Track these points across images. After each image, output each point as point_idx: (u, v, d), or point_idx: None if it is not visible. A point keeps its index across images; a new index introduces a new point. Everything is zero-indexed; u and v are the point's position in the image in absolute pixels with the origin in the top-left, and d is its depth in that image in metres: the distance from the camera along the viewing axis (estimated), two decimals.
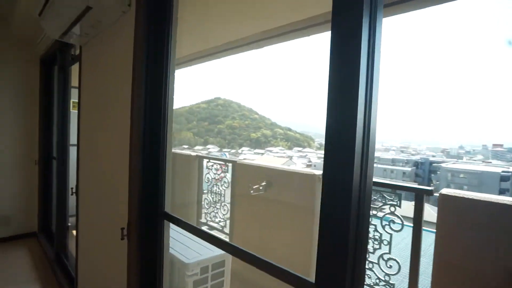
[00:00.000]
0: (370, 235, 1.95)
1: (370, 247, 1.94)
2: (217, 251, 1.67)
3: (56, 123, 2.70)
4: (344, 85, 0.58)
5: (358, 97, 0.56)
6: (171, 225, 1.34)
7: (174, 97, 1.30)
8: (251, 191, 2.59)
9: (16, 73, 3.27)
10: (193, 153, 3.48)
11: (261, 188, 2.48)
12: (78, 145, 1.91)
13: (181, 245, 1.67)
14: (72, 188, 2.13)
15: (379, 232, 1.94)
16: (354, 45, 0.56)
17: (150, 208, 1.30)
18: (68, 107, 2.53)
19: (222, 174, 3.24)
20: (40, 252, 3.09)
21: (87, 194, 1.84)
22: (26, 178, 3.41)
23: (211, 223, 3.24)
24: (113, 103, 1.48)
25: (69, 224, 2.64)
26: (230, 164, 3.05)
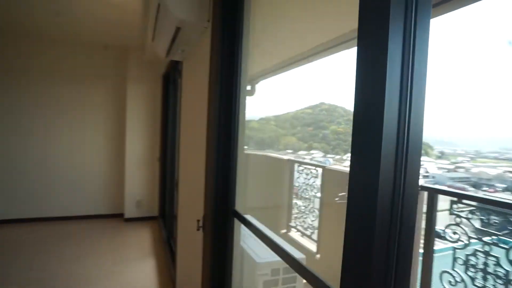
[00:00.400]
0: (490, 269, 1.53)
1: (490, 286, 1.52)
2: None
3: (169, 127, 3.26)
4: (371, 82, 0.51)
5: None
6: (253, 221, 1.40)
7: (264, 103, 1.37)
8: (336, 199, 2.46)
9: (147, 88, 4.12)
10: (285, 157, 3.56)
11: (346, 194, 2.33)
12: (178, 147, 2.26)
13: (255, 243, 1.75)
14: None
15: (503, 268, 1.49)
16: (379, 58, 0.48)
17: (221, 205, 1.41)
18: (177, 115, 3.01)
19: (312, 179, 3.19)
20: (158, 232, 3.77)
21: (182, 188, 2.15)
22: (151, 172, 4.23)
23: (300, 228, 3.23)
24: (196, 111, 1.69)
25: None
26: (320, 169, 2.98)
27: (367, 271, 0.50)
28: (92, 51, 4.06)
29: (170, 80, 3.28)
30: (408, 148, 0.49)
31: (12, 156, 3.82)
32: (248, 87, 1.49)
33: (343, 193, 2.63)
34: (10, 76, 3.75)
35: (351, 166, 0.54)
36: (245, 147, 1.60)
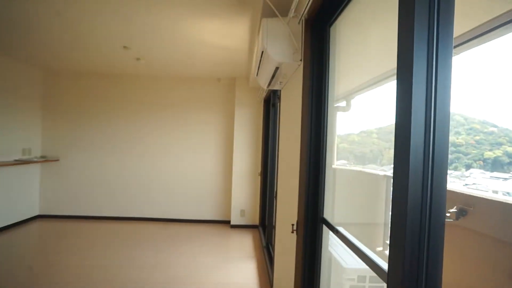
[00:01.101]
0: None
1: None
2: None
3: (269, 146, 3.71)
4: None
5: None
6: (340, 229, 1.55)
7: (364, 116, 1.58)
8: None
9: (251, 111, 4.76)
10: (381, 173, 3.50)
11: (448, 214, 2.19)
12: (276, 163, 2.63)
13: (342, 249, 1.89)
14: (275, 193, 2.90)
15: None
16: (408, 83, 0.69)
17: (311, 212, 1.66)
18: (276, 135, 3.43)
19: None
20: (258, 239, 4.21)
21: (280, 199, 2.48)
22: (253, 185, 4.78)
23: None
24: (291, 131, 2.01)
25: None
26: None
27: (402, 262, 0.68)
28: (206, 83, 5.00)
29: (270, 103, 3.77)
30: (434, 156, 0.66)
31: (146, 170, 5.00)
32: (343, 104, 1.71)
33: (452, 210, 2.45)
34: (147, 109, 4.98)
35: (394, 173, 0.73)
36: (343, 161, 1.79)
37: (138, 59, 3.96)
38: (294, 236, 1.85)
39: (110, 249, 3.61)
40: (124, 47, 3.48)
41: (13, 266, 3.10)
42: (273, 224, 3.02)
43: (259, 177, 4.61)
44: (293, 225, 1.78)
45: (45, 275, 2.88)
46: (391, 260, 0.76)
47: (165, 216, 4.99)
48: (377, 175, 3.66)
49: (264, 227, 4.30)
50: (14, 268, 3.03)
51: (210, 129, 5.03)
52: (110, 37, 3.20)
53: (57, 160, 4.93)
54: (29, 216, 4.73)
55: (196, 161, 5.03)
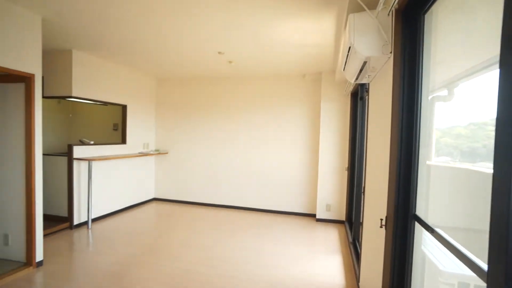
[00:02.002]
0: None
1: None
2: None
3: (357, 140, 3.61)
4: None
5: None
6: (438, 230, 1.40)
7: (471, 106, 1.42)
8: None
9: (337, 105, 4.68)
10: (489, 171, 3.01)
11: None
12: (365, 157, 2.57)
13: (439, 251, 1.76)
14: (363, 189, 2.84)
15: None
16: None
17: (402, 208, 1.62)
18: (364, 128, 3.32)
19: None
20: (344, 234, 4.16)
21: (368, 194, 2.43)
22: (340, 180, 4.71)
23: None
24: (380, 124, 1.96)
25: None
26: None
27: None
28: (291, 79, 5.12)
29: (358, 96, 3.65)
30: None
31: (238, 163, 5.45)
32: (444, 93, 1.59)
33: None
34: (238, 106, 5.40)
35: (494, 171, 0.71)
36: (445, 157, 1.63)
37: (230, 62, 4.37)
38: (382, 232, 1.83)
39: (208, 230, 4.15)
40: (219, 52, 3.91)
41: (136, 234, 3.89)
42: (361, 220, 2.96)
43: (346, 172, 4.51)
44: (381, 219, 1.76)
45: (158, 244, 3.55)
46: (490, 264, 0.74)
47: (254, 206, 5.39)
48: (484, 174, 3.18)
49: (350, 223, 4.22)
50: (137, 236, 3.82)
51: (297, 123, 5.16)
52: (208, 46, 3.64)
53: (167, 153, 5.87)
54: (147, 198, 5.79)
55: (283, 155, 5.25)
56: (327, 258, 3.36)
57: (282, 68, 4.71)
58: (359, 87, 3.46)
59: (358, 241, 3.35)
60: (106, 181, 4.67)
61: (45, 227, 3.30)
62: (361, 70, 2.03)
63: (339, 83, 4.63)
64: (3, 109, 2.96)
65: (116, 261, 3.13)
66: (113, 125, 5.68)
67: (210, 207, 5.55)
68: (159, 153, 5.64)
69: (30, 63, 2.80)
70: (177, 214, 5.02)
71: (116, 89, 4.83)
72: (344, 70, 2.41)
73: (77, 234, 3.94)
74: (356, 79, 2.32)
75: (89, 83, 4.28)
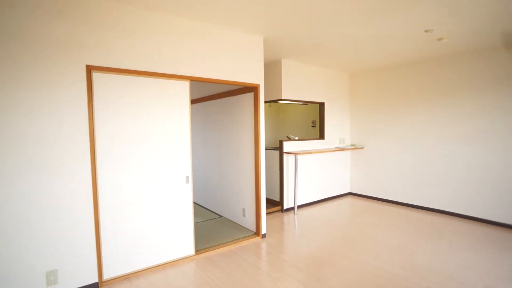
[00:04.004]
0: None
1: None
2: None
3: None
4: None
5: None
6: None
7: None
8: None
9: None
10: None
11: None
12: None
13: None
14: None
15: None
16: None
17: None
18: None
19: None
20: None
21: None
22: None
23: None
24: None
25: None
26: None
27: None
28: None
29: None
30: None
31: (438, 160, 4.45)
32: None
33: None
34: (442, 94, 4.39)
35: None
36: None
37: (440, 39, 3.66)
38: None
39: (411, 233, 3.70)
40: (426, 31, 3.36)
41: (333, 226, 4.05)
42: None
43: None
44: None
45: (354, 238, 3.52)
46: None
47: (450, 210, 4.30)
48: None
49: None
50: (334, 227, 3.97)
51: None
52: (412, 27, 3.21)
53: (362, 148, 5.76)
54: (343, 192, 5.94)
55: (495, 153, 3.85)
56: None
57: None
58: None
59: None
60: (308, 173, 5.20)
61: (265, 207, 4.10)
62: None
63: None
64: (240, 114, 3.92)
65: (317, 246, 3.41)
66: (311, 122, 6.23)
67: (409, 208, 4.95)
68: (355, 148, 5.63)
69: (257, 76, 3.54)
70: (373, 211, 4.83)
71: (315, 89, 5.25)
72: None
73: (286, 217, 4.63)
74: None
75: (294, 86, 4.89)
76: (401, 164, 5.18)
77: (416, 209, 4.95)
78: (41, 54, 2.20)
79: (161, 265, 2.91)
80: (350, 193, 6.06)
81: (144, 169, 2.77)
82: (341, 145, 5.73)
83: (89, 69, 2.40)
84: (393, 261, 3.00)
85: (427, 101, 4.78)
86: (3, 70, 2.07)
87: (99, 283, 2.54)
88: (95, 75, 2.46)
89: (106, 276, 2.60)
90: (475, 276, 2.69)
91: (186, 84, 2.99)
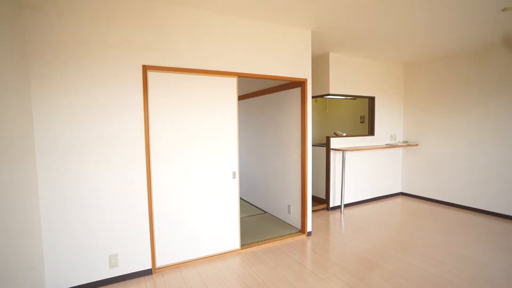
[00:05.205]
0: None
1: None
2: None
3: None
4: None
5: None
6: None
7: None
8: None
9: None
10: None
11: None
12: None
13: None
14: None
15: None
16: None
17: None
18: None
19: None
20: None
21: None
22: None
23: None
24: None
25: None
26: None
27: None
28: None
29: None
30: None
31: (496, 158, 3.88)
32: None
33: None
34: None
35: None
36: None
37: (505, 9, 3.16)
38: None
39: (468, 239, 3.32)
40: (504, 9, 2.95)
41: (383, 226, 3.81)
42: None
43: None
44: None
45: (405, 241, 3.27)
46: None
47: (503, 212, 3.74)
48: None
49: None
50: (384, 228, 3.73)
51: None
52: (480, 6, 2.85)
53: (416, 145, 5.33)
54: (393, 192, 5.58)
55: None
56: None
57: None
58: None
59: None
60: (356, 170, 4.97)
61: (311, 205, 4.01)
62: None
63: None
64: (286, 110, 3.87)
65: (366, 247, 3.24)
66: (360, 117, 5.92)
67: (469, 211, 4.46)
68: (408, 145, 5.23)
69: (304, 70, 3.44)
70: (428, 213, 4.45)
71: (364, 82, 4.97)
72: None
73: (332, 215, 4.48)
74: None
75: (342, 80, 4.68)
76: (460, 163, 4.69)
77: (477, 213, 4.46)
78: (106, 56, 2.39)
79: (209, 257, 3.01)
80: (401, 193, 5.66)
81: (193, 164, 2.87)
82: (392, 142, 5.37)
83: (145, 69, 2.55)
84: (458, 272, 2.73)
85: (495, 98, 4.24)
86: (78, 72, 2.28)
87: (152, 269, 2.71)
88: (150, 74, 2.60)
89: (158, 263, 2.77)
90: None
91: (234, 80, 3.02)
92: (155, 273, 2.74)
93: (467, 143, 4.62)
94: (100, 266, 2.49)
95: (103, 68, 2.39)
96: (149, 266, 2.70)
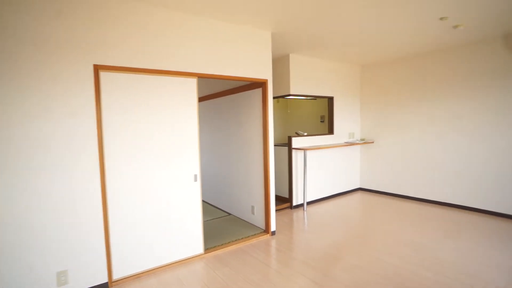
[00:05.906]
0: None
1: None
2: None
3: None
4: None
5: None
6: None
7: None
8: None
9: None
10: None
11: None
12: None
13: None
14: None
15: None
16: None
17: None
18: None
19: None
20: None
21: None
22: None
23: None
24: None
25: None
26: None
27: None
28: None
29: None
30: None
31: (443, 152, 4.31)
32: None
33: None
34: (447, 86, 4.24)
35: None
36: None
37: (455, 26, 3.51)
38: None
39: (417, 228, 3.60)
40: (441, 18, 3.22)
41: (343, 221, 3.98)
42: None
43: None
44: None
45: (365, 234, 3.45)
46: None
47: (467, 204, 4.17)
48: None
49: None
50: (344, 223, 3.90)
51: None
52: (425, 16, 3.09)
53: (372, 142, 5.64)
54: (353, 188, 5.85)
55: (498, 142, 3.70)
56: None
57: None
58: None
59: None
60: (317, 168, 5.12)
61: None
62: None
63: None
64: (248, 111, 3.86)
65: (328, 243, 3.35)
66: (320, 117, 6.12)
67: (422, 203, 4.83)
68: (365, 142, 5.51)
69: (265, 71, 3.46)
70: (385, 207, 4.73)
71: (323, 83, 5.14)
72: None
73: (295, 214, 4.57)
74: None
75: (302, 80, 4.79)
76: (413, 158, 5.05)
77: (429, 204, 4.84)
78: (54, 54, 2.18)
79: (171, 264, 2.90)
80: (360, 189, 5.96)
81: (152, 168, 2.74)
82: (351, 140, 5.62)
83: (97, 69, 2.37)
84: (410, 258, 2.92)
85: (441, 94, 4.63)
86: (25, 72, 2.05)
87: (108, 282, 2.54)
88: (103, 74, 2.43)
89: (116, 276, 2.60)
90: (499, 275, 2.59)
91: (193, 81, 2.94)
92: (111, 286, 2.57)
93: (415, 137, 4.99)
94: (45, 285, 2.27)
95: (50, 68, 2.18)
96: (105, 280, 2.52)
